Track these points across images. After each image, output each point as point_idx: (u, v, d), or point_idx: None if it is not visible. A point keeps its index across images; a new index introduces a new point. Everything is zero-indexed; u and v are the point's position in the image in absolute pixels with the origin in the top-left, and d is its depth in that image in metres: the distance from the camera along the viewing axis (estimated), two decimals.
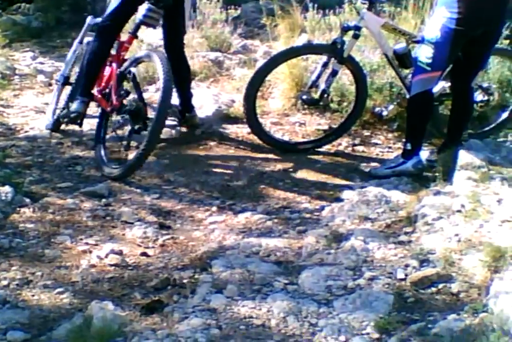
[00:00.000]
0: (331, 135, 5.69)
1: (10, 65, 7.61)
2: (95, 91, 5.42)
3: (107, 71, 5.40)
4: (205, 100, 6.18)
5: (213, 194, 4.83)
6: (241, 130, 5.86)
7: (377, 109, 5.79)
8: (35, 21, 9.93)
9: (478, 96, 5.72)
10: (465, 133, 5.42)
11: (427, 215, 4.15)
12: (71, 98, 5.57)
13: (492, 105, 5.91)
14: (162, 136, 5.37)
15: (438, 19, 4.82)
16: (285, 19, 6.95)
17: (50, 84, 6.92)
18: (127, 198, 4.65)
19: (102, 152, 5.15)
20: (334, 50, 5.32)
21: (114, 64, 5.32)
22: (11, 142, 5.44)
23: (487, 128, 5.94)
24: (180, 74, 5.61)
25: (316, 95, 5.44)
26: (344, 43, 5.29)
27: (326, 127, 5.89)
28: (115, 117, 5.23)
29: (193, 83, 6.42)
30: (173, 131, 5.75)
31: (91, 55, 5.33)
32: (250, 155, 5.51)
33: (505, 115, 5.98)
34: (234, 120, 6.03)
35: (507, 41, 6.09)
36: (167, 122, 5.65)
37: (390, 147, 5.72)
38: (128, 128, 5.08)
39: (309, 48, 5.94)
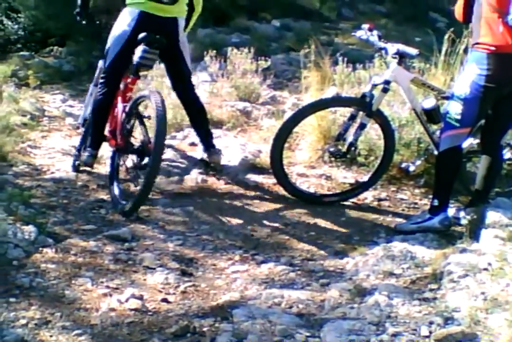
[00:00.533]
0: (357, 189, 5.65)
1: (40, 106, 7.74)
2: (106, 131, 5.61)
3: (115, 112, 5.55)
4: (232, 149, 6.20)
5: (236, 243, 4.79)
6: (267, 181, 5.84)
7: (404, 164, 5.73)
8: (67, 65, 10.16)
9: (507, 154, 5.67)
10: (493, 192, 5.37)
11: (453, 272, 4.09)
12: (84, 141, 5.81)
13: None
14: (188, 183, 5.47)
15: (468, 76, 4.81)
16: (315, 71, 6.98)
17: (78, 128, 6.98)
18: (150, 243, 4.63)
19: (116, 190, 5.26)
20: (363, 104, 5.32)
21: (120, 105, 5.49)
22: (37, 183, 5.50)
23: None
24: (193, 116, 5.81)
25: (343, 148, 5.42)
26: (373, 96, 5.29)
27: (352, 180, 5.86)
28: (123, 156, 5.37)
29: (220, 132, 6.50)
30: (199, 179, 5.75)
31: (98, 103, 5.51)
32: (275, 206, 5.48)
33: None
34: (260, 170, 6.01)
35: None
36: (193, 171, 5.72)
37: (416, 203, 5.64)
38: (136, 164, 5.22)
39: (338, 101, 5.93)
